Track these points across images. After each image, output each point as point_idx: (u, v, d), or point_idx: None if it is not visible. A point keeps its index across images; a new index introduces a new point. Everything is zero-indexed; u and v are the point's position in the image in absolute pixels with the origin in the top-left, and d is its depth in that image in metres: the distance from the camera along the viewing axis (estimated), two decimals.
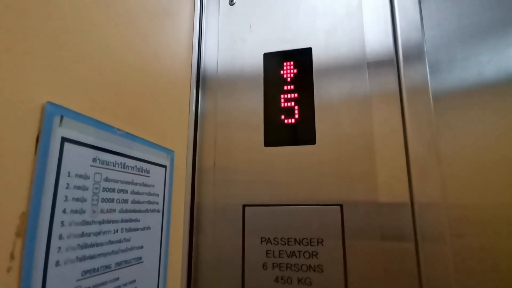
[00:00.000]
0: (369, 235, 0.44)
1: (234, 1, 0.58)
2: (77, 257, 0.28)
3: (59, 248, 0.26)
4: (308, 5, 0.54)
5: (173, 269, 0.45)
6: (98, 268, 0.30)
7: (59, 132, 0.27)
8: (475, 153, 0.46)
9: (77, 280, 0.28)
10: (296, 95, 0.52)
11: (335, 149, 0.48)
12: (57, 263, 0.26)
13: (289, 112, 0.51)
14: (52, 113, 0.26)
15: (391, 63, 0.49)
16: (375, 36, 0.50)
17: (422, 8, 0.51)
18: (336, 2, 0.53)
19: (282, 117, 0.51)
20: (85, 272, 0.29)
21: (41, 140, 0.25)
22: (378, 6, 0.51)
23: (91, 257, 0.29)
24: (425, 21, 0.51)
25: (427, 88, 0.47)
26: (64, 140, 0.27)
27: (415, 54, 0.48)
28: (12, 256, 0.22)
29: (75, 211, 0.28)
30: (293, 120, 0.51)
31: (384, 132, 0.47)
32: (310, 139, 0.49)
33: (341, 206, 0.46)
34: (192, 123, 0.53)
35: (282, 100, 0.52)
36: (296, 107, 0.51)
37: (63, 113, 0.27)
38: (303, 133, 0.50)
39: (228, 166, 0.51)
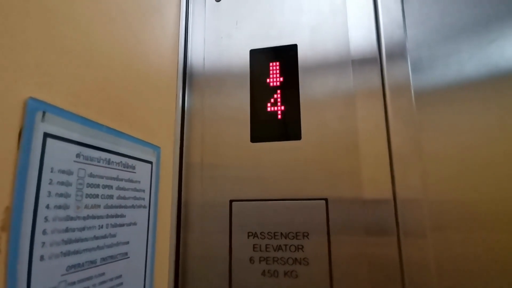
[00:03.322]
0: (353, 229, 0.45)
1: None
2: (61, 252, 0.28)
3: (43, 243, 0.26)
4: (293, 2, 0.55)
5: (161, 265, 0.45)
6: (83, 263, 0.30)
7: (42, 127, 0.27)
8: (456, 148, 0.48)
9: (62, 275, 0.28)
10: (282, 91, 0.52)
11: (320, 145, 0.49)
12: (42, 258, 0.26)
13: (275, 108, 0.52)
14: (34, 108, 0.26)
15: (375, 60, 0.50)
16: (359, 34, 0.51)
17: (404, 6, 0.52)
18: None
19: (268, 113, 0.52)
20: (70, 267, 0.29)
21: (23, 135, 0.25)
22: (362, 3, 0.52)
23: (76, 252, 0.29)
24: (408, 19, 0.52)
25: (409, 85, 0.48)
26: (46, 135, 0.27)
27: (398, 52, 0.49)
28: None
29: (59, 207, 0.28)
30: (279, 116, 0.52)
31: (368, 128, 0.48)
32: (295, 134, 0.50)
33: (326, 200, 0.47)
34: (179, 119, 0.54)
35: (268, 97, 0.53)
36: (282, 103, 0.52)
37: (46, 108, 0.27)
38: (289, 128, 0.51)
39: (215, 162, 0.52)
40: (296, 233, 0.47)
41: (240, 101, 0.53)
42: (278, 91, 0.53)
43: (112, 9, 0.38)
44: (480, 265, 0.44)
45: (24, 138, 0.25)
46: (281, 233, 0.47)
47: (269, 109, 0.52)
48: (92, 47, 0.34)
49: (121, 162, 0.37)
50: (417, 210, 0.45)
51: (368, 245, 0.45)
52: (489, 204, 0.45)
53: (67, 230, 0.29)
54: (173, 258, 0.49)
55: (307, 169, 0.49)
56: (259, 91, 0.53)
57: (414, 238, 0.44)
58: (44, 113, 0.27)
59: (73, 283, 0.29)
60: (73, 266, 0.29)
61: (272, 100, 0.53)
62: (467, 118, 0.49)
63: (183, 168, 0.53)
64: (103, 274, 0.33)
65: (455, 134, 0.49)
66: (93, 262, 0.32)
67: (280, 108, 0.52)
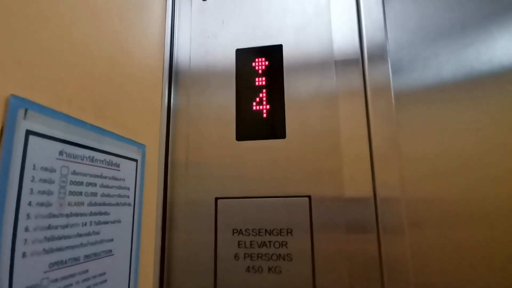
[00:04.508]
0: (335, 226, 0.47)
1: None
2: (44, 249, 0.28)
3: (25, 240, 0.26)
4: (279, 2, 0.56)
5: (146, 262, 0.46)
6: (66, 261, 0.30)
7: (24, 125, 0.27)
8: (433, 148, 0.50)
9: (45, 272, 0.28)
10: (267, 90, 0.53)
11: (304, 143, 0.50)
12: (24, 255, 0.26)
13: (260, 107, 0.53)
14: (16, 106, 0.26)
15: (357, 62, 0.51)
16: (342, 35, 0.52)
17: (386, 10, 0.54)
18: (305, 0, 0.55)
19: (254, 112, 0.53)
20: (53, 264, 0.29)
21: (5, 133, 0.25)
22: (345, 6, 0.53)
23: (59, 249, 0.30)
24: (389, 22, 0.53)
25: (389, 87, 0.50)
26: (28, 133, 0.27)
27: (379, 54, 0.51)
28: None
29: (41, 204, 0.28)
30: (264, 115, 0.53)
31: (349, 128, 0.49)
32: (280, 133, 0.51)
33: (309, 197, 0.48)
34: (165, 117, 0.54)
35: (254, 96, 0.53)
36: (268, 103, 0.53)
37: (28, 106, 0.27)
38: (273, 127, 0.51)
39: (201, 160, 0.52)
40: (280, 229, 0.48)
41: (226, 100, 0.54)
42: (264, 90, 0.53)
43: (96, 6, 0.38)
44: (456, 261, 0.46)
45: (6, 135, 0.25)
46: (266, 230, 0.48)
47: (254, 108, 0.53)
48: (75, 44, 0.34)
49: (105, 159, 0.37)
50: (396, 208, 0.47)
51: (349, 242, 0.46)
52: (465, 202, 0.47)
53: (49, 227, 0.29)
54: (158, 255, 0.49)
55: (291, 167, 0.50)
56: (244, 90, 0.54)
57: (393, 235, 0.46)
58: (26, 110, 0.27)
59: (56, 280, 0.29)
60: (56, 263, 0.29)
61: (257, 99, 0.53)
62: (444, 119, 0.51)
63: (169, 166, 0.53)
64: (86, 271, 0.33)
65: (433, 135, 0.50)
66: (76, 259, 0.32)
67: (265, 107, 0.53)
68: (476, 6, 0.55)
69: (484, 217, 0.47)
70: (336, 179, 0.48)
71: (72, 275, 0.31)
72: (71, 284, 0.31)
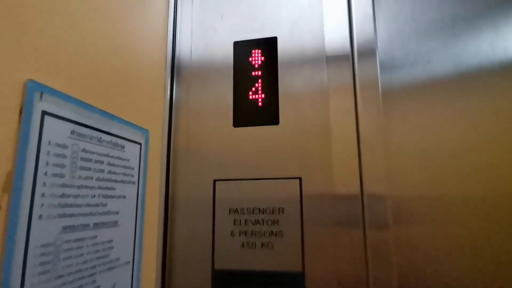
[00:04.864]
0: (323, 206, 0.50)
1: None
2: (58, 214, 0.32)
3: (42, 204, 0.31)
4: None
5: (149, 234, 0.50)
6: (77, 226, 0.35)
7: (40, 106, 0.31)
8: (420, 143, 0.52)
9: (58, 233, 0.32)
10: (262, 80, 0.57)
11: (296, 130, 0.53)
12: (40, 217, 0.30)
13: (256, 96, 0.56)
14: (33, 89, 0.30)
15: (347, 58, 0.54)
16: (333, 30, 0.55)
17: (376, 6, 0.56)
18: None
19: (250, 100, 0.56)
20: (65, 227, 0.33)
21: (24, 112, 0.29)
22: (337, 1, 0.56)
23: (71, 215, 0.34)
24: (378, 19, 0.56)
25: (377, 81, 0.52)
26: (44, 113, 0.31)
27: (368, 50, 0.53)
28: None
29: (56, 175, 0.32)
30: (260, 103, 0.56)
31: (339, 119, 0.52)
32: (274, 120, 0.54)
33: (300, 179, 0.52)
34: (167, 105, 0.58)
35: (250, 85, 0.57)
36: (263, 92, 0.56)
37: (43, 89, 0.31)
38: (268, 114, 0.55)
39: (200, 145, 0.56)
40: (273, 208, 0.52)
41: (224, 89, 0.58)
42: (259, 80, 0.57)
43: (103, 1, 0.42)
44: (439, 257, 0.48)
45: (25, 115, 0.29)
46: (259, 209, 0.52)
47: (250, 97, 0.57)
48: (84, 35, 0.39)
49: (111, 141, 0.41)
50: (379, 188, 0.50)
51: (336, 220, 0.49)
52: (452, 197, 0.49)
53: (63, 195, 0.33)
54: (161, 230, 0.53)
55: (283, 151, 0.53)
56: (242, 80, 0.57)
57: (377, 221, 0.49)
58: (41, 93, 0.31)
59: (68, 241, 0.34)
60: (68, 227, 0.34)
61: (253, 89, 0.57)
62: (432, 114, 0.53)
63: (171, 150, 0.57)
64: (95, 237, 0.38)
65: (420, 129, 0.53)
66: (86, 225, 0.36)
67: (260, 96, 0.56)
68: (465, 2, 0.57)
69: (471, 211, 0.50)
70: (326, 163, 0.51)
71: (82, 239, 0.36)
72: (82, 246, 0.35)
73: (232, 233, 0.52)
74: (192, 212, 0.54)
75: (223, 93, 0.57)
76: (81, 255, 0.35)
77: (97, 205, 0.38)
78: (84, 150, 0.37)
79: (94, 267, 0.37)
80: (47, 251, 0.31)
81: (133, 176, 0.46)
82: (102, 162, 0.39)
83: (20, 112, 0.29)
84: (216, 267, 0.52)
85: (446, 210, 0.50)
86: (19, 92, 0.29)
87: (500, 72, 0.53)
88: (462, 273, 0.48)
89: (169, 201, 0.55)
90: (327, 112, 0.53)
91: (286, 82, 0.55)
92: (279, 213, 0.51)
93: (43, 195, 0.31)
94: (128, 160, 0.45)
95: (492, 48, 0.54)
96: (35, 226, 0.30)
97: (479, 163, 0.51)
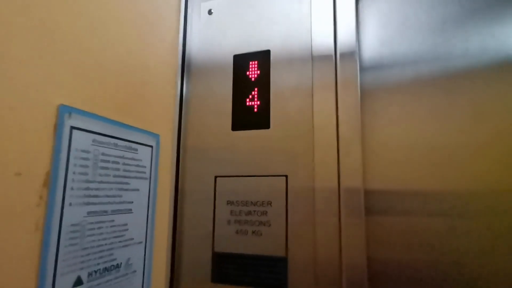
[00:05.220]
0: (305, 199, 0.57)
1: (212, 12, 0.70)
2: (83, 202, 0.44)
3: (71, 195, 0.42)
4: (268, 14, 0.66)
5: (161, 220, 0.61)
6: (98, 211, 0.46)
7: (69, 122, 0.42)
8: (402, 142, 0.58)
9: (84, 217, 0.44)
10: (258, 89, 0.64)
11: (284, 132, 0.61)
12: (70, 204, 0.42)
13: (253, 103, 0.64)
14: (63, 111, 0.41)
15: (330, 59, 0.60)
16: (320, 40, 0.61)
17: (362, 16, 0.61)
18: (291, 11, 0.64)
19: (247, 107, 0.65)
20: (89, 212, 0.44)
21: (57, 128, 0.40)
22: (324, 14, 0.62)
23: (93, 203, 0.45)
24: (361, 28, 0.61)
25: (356, 82, 0.58)
26: (72, 127, 0.42)
27: (349, 53, 0.59)
28: (40, 197, 0.38)
29: (81, 173, 0.43)
30: (255, 110, 0.64)
31: (321, 119, 0.58)
32: (266, 124, 0.62)
33: (286, 176, 0.59)
34: (177, 110, 0.68)
35: (248, 93, 0.65)
36: (258, 99, 0.64)
37: (71, 110, 0.42)
38: (261, 119, 0.63)
39: (205, 146, 0.66)
40: (262, 201, 0.60)
41: (225, 96, 0.66)
42: (255, 89, 0.65)
43: (120, 31, 0.53)
44: (410, 247, 0.54)
45: (58, 129, 0.40)
46: (251, 202, 0.61)
47: (248, 103, 0.65)
48: (104, 64, 0.49)
49: (125, 145, 0.52)
50: (354, 182, 0.56)
51: (316, 213, 0.56)
52: (423, 193, 0.54)
53: (87, 189, 0.44)
54: (171, 217, 0.64)
55: (273, 152, 0.61)
56: (240, 89, 0.66)
57: (351, 212, 0.55)
58: (70, 113, 0.42)
59: (91, 223, 0.45)
60: (91, 212, 0.45)
61: (250, 96, 0.65)
62: (414, 113, 0.58)
63: (180, 151, 0.67)
64: (113, 221, 0.49)
65: (402, 128, 0.58)
66: (105, 211, 0.47)
67: (256, 103, 0.64)
68: (449, 3, 0.60)
69: (444, 206, 0.54)
70: (309, 161, 0.58)
71: (102, 222, 0.47)
72: (102, 227, 0.47)
73: (228, 222, 0.62)
74: (197, 203, 0.65)
75: (224, 100, 0.66)
76: (101, 234, 0.46)
77: (114, 196, 0.49)
78: (103, 154, 0.47)
79: (112, 243, 0.48)
80: (75, 229, 0.42)
81: (145, 172, 0.57)
82: (118, 163, 0.50)
83: (55, 127, 0.40)
84: (215, 250, 0.62)
85: (420, 204, 0.55)
86: (54, 114, 0.40)
87: (483, 74, 0.56)
88: (431, 263, 0.53)
89: (179, 193, 0.66)
90: (311, 112, 0.59)
91: (277, 88, 0.63)
92: (267, 205, 0.60)
93: (72, 188, 0.42)
94: (141, 160, 0.56)
95: (479, 51, 0.57)
96: (66, 211, 0.41)
97: (454, 160, 0.55)
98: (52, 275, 0.39)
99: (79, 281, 0.42)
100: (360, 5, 0.66)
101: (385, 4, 0.64)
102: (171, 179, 0.65)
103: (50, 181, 0.39)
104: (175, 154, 0.67)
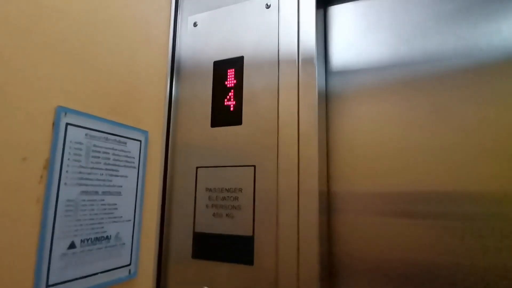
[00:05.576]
0: (270, 187, 0.65)
1: (197, 24, 0.80)
2: (77, 183, 0.55)
3: (66, 177, 0.53)
4: (243, 24, 0.75)
5: (149, 203, 0.71)
6: (89, 191, 0.57)
7: (65, 120, 0.53)
8: (364, 142, 0.65)
9: (77, 195, 0.55)
10: (234, 90, 0.73)
11: (253, 127, 0.69)
12: (65, 184, 0.53)
13: (229, 103, 0.73)
14: (60, 111, 0.53)
15: (294, 65, 0.68)
16: (286, 47, 0.69)
17: (328, 24, 0.69)
18: (262, 19, 0.73)
19: (225, 106, 0.74)
20: (82, 192, 0.56)
21: (55, 124, 0.52)
22: (289, 24, 0.70)
23: (86, 185, 0.56)
24: (329, 37, 0.68)
25: (315, 85, 0.65)
26: (67, 124, 0.54)
27: (309, 58, 0.66)
28: (41, 177, 0.50)
29: (75, 160, 0.55)
30: (231, 109, 0.73)
31: (285, 117, 0.66)
32: (239, 121, 0.71)
33: (254, 166, 0.68)
34: (167, 109, 0.79)
35: (225, 94, 0.74)
36: (234, 99, 0.73)
37: (67, 111, 0.54)
38: (235, 117, 0.72)
39: (188, 141, 0.76)
40: (235, 188, 0.69)
41: (205, 97, 0.76)
42: (232, 91, 0.74)
43: (116, 41, 0.64)
44: (365, 237, 0.61)
45: (55, 126, 0.52)
46: (225, 188, 0.70)
47: (225, 103, 0.74)
48: (98, 71, 0.60)
49: (115, 139, 0.63)
50: (314, 173, 0.64)
51: (279, 199, 0.64)
52: (379, 194, 0.61)
53: (80, 172, 0.55)
54: (160, 201, 0.75)
55: (244, 145, 0.70)
56: (218, 90, 0.75)
57: (307, 210, 0.62)
58: (66, 113, 0.54)
59: (84, 200, 0.56)
60: (84, 191, 0.56)
61: (227, 97, 0.74)
62: (378, 114, 0.65)
63: (169, 143, 0.78)
64: (103, 200, 0.60)
65: (365, 129, 0.65)
66: (96, 192, 0.58)
67: (232, 103, 0.73)
68: (421, 6, 0.66)
69: (403, 206, 0.61)
70: (274, 155, 0.66)
71: (94, 200, 0.58)
72: (93, 205, 0.58)
73: (207, 206, 0.71)
74: (181, 189, 0.75)
75: (205, 101, 0.76)
76: (93, 210, 0.57)
77: (104, 180, 0.60)
78: (95, 146, 0.59)
79: (102, 218, 0.59)
80: (70, 204, 0.53)
81: (133, 163, 0.67)
82: (108, 153, 0.61)
83: (53, 124, 0.52)
84: (196, 230, 0.71)
85: (377, 204, 0.62)
86: (52, 113, 0.52)
87: (445, 76, 0.62)
88: (389, 257, 0.60)
89: (167, 181, 0.76)
90: (277, 114, 0.67)
91: (249, 89, 0.71)
92: (239, 192, 0.68)
93: (67, 171, 0.53)
94: (130, 152, 0.67)
95: (439, 54, 0.63)
96: (62, 189, 0.52)
97: (414, 161, 0.61)
98: (50, 238, 0.50)
99: (73, 245, 0.53)
100: (329, 13, 0.74)
101: (352, 12, 0.71)
102: (160, 169, 0.76)
103: (49, 165, 0.51)
104: (164, 148, 0.77)
